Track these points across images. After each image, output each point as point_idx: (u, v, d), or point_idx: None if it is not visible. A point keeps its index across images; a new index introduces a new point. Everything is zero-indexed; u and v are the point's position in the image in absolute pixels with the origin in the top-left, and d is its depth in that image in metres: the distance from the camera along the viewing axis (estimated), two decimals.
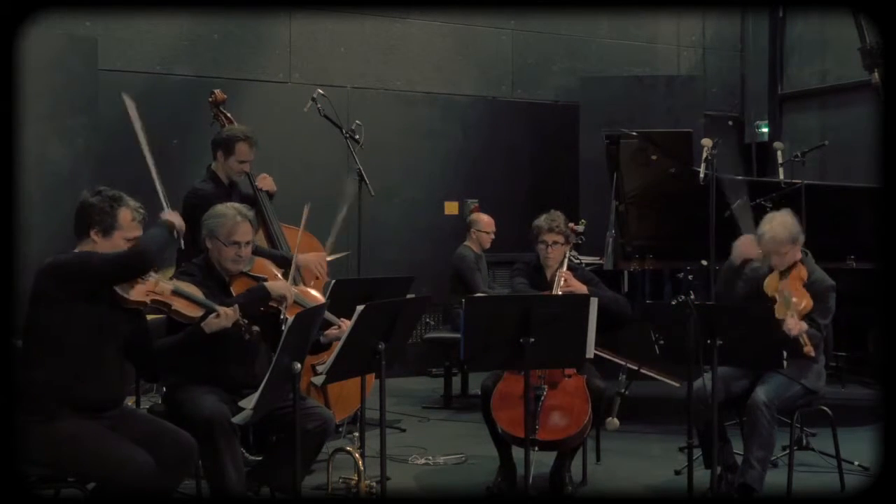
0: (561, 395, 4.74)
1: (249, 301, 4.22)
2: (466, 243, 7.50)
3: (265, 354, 4.37)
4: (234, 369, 4.25)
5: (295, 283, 4.79)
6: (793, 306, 4.55)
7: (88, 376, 3.69)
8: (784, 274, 4.82)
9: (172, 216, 4.06)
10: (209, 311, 4.01)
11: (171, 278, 4.18)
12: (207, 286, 4.19)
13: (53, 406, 3.62)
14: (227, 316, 4.00)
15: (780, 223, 4.85)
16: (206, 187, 5.35)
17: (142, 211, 3.86)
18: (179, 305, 3.95)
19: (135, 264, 3.73)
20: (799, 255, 4.86)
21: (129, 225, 3.78)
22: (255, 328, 4.10)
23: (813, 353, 4.55)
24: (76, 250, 3.77)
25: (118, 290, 3.76)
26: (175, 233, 4.00)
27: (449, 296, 7.37)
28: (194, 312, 4.00)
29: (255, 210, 5.52)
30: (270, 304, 4.34)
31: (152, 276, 3.88)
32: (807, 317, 4.65)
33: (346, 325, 4.33)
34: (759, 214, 5.22)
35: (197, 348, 4.08)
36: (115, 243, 3.75)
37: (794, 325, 4.49)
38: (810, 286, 4.75)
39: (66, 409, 3.65)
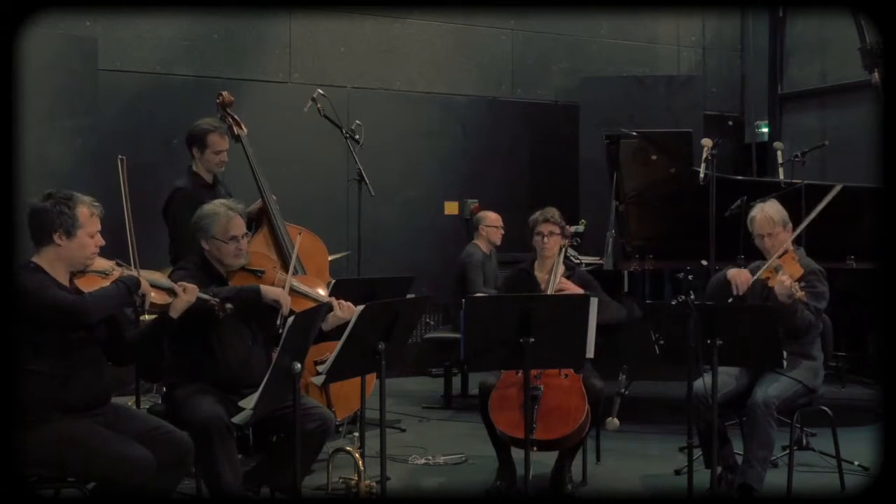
0: (558, 394, 4.74)
1: (239, 298, 4.16)
2: (475, 242, 7.42)
3: (265, 354, 4.37)
4: (233, 369, 4.25)
5: (296, 272, 4.78)
6: (784, 271, 4.62)
7: (69, 381, 3.67)
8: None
9: (144, 278, 3.86)
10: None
11: (168, 276, 4.17)
12: (205, 283, 4.18)
13: (42, 411, 3.62)
14: (189, 291, 3.93)
15: (771, 207, 5.01)
16: (188, 185, 5.37)
17: (97, 204, 3.81)
18: (151, 294, 3.86)
19: (72, 319, 3.63)
20: (790, 244, 4.90)
21: (89, 221, 3.74)
22: (229, 305, 4.04)
23: (805, 299, 4.61)
24: (34, 259, 3.72)
25: (83, 290, 3.73)
26: (138, 293, 3.80)
27: (451, 296, 7.36)
28: (164, 300, 3.91)
29: (262, 210, 5.57)
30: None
31: (115, 270, 3.83)
32: (802, 304, 4.69)
33: (344, 304, 4.33)
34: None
35: (177, 338, 4.08)
36: (81, 241, 3.71)
37: (786, 279, 4.54)
38: None
39: (55, 412, 3.64)
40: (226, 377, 4.23)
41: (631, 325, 5.44)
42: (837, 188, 5.11)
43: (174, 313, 3.92)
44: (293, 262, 4.74)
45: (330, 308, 4.33)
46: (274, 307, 4.29)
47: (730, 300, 4.78)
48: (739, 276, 4.81)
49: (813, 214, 5.00)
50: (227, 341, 4.26)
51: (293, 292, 4.42)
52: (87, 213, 3.75)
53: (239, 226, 4.37)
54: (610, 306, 5.21)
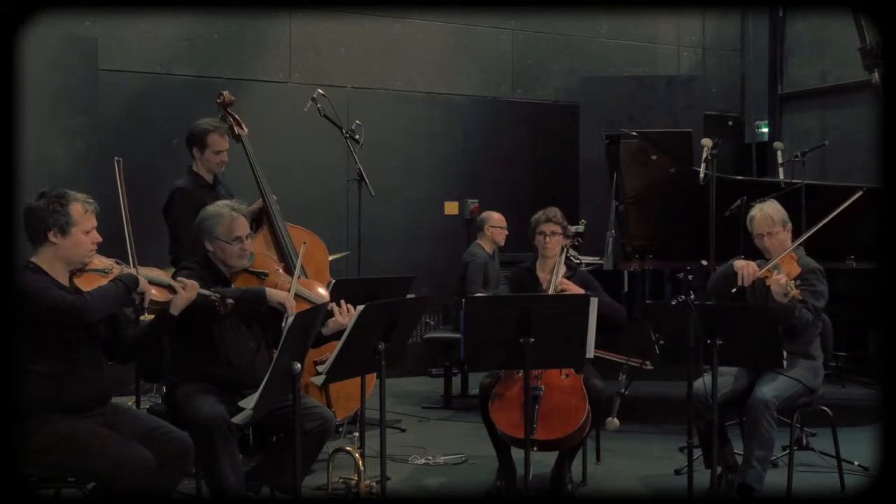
0: (559, 394, 4.74)
1: (244, 299, 4.18)
2: (478, 242, 7.39)
3: (265, 354, 4.37)
4: (234, 369, 4.25)
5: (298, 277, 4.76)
6: (781, 269, 4.63)
7: (70, 380, 3.67)
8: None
9: (143, 276, 3.85)
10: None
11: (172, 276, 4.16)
12: (209, 284, 4.18)
13: (42, 411, 3.62)
14: (189, 287, 3.93)
15: (770, 206, 5.02)
16: (188, 185, 5.37)
17: (91, 201, 3.79)
18: (151, 292, 3.86)
19: (72, 319, 3.62)
20: (789, 243, 4.90)
21: (83, 218, 3.73)
22: (230, 301, 4.04)
23: (800, 297, 4.62)
24: (33, 259, 3.72)
25: (82, 289, 3.72)
26: (137, 291, 3.79)
27: (454, 295, 7.34)
28: (165, 297, 3.91)
29: (262, 210, 5.57)
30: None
31: (115, 268, 3.82)
32: (800, 302, 4.70)
33: (346, 308, 4.33)
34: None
35: (178, 335, 4.08)
36: (76, 239, 3.71)
37: (782, 277, 4.55)
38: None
39: (55, 412, 3.64)
40: (227, 377, 4.23)
41: (631, 324, 5.44)
42: (859, 193, 5.13)
43: (175, 310, 3.91)
44: (298, 267, 4.73)
45: (330, 313, 4.33)
46: (278, 310, 4.29)
47: (734, 290, 4.79)
48: (747, 268, 4.82)
49: (831, 216, 5.01)
50: (228, 341, 4.26)
51: (297, 297, 4.42)
52: (81, 210, 3.74)
53: (243, 226, 4.36)
54: (613, 307, 5.21)
